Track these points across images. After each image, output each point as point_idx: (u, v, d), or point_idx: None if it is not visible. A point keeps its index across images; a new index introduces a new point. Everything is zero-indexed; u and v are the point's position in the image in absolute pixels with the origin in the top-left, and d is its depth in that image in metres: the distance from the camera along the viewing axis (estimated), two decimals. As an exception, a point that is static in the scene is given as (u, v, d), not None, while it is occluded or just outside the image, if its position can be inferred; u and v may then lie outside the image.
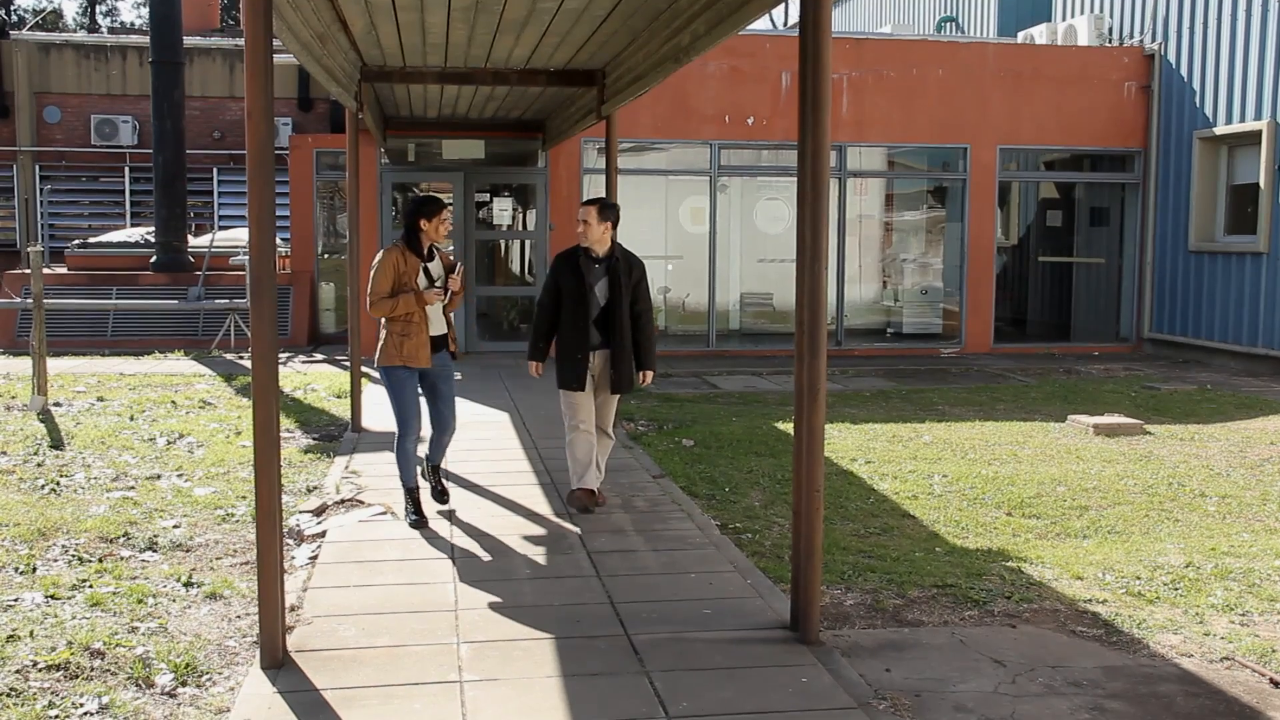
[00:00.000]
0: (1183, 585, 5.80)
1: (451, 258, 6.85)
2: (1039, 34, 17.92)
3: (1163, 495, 7.78)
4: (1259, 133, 14.36)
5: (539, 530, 6.69)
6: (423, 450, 7.03)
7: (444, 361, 6.80)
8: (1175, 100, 15.96)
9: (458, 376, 7.00)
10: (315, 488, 7.77)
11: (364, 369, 10.27)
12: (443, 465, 7.44)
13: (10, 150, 20.09)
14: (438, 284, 6.65)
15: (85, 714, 4.16)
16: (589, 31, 7.93)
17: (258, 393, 4.49)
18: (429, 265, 6.64)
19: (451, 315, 6.92)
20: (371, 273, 6.52)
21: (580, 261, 6.80)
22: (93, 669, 4.55)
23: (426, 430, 7.00)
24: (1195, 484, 8.10)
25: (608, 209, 6.82)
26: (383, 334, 6.64)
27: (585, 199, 6.96)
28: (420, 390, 6.77)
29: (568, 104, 11.83)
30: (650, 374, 6.96)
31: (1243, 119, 14.67)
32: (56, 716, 4.14)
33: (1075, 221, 18.27)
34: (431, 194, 6.68)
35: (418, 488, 6.79)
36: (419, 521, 6.65)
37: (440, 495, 7.05)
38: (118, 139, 20.09)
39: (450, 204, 15.80)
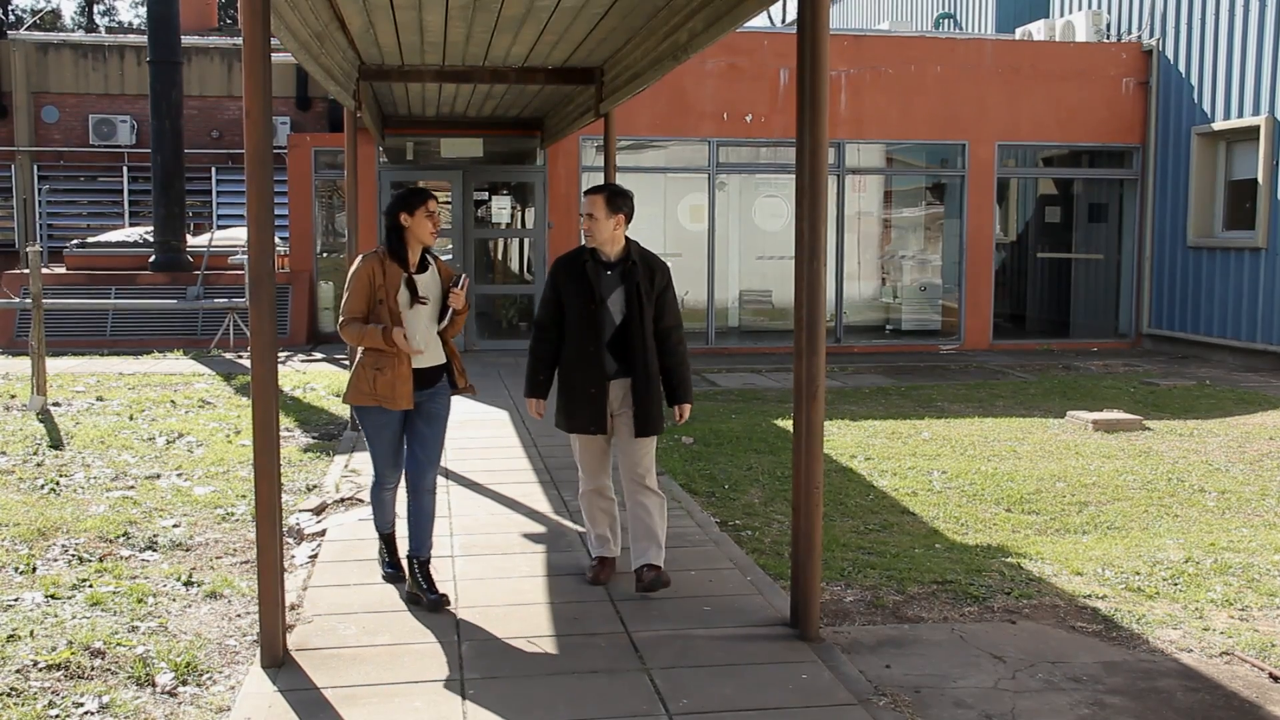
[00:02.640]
0: (1182, 580, 5.80)
1: (456, 270, 5.51)
2: (1037, 30, 17.92)
3: (1162, 491, 7.78)
4: (1257, 128, 14.36)
5: (539, 528, 6.69)
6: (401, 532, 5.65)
7: (435, 399, 5.36)
8: (1173, 96, 15.96)
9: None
10: (315, 486, 7.77)
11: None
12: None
13: (8, 150, 20.08)
14: (424, 300, 5.25)
15: (86, 713, 4.17)
16: (587, 29, 7.92)
17: (257, 392, 4.49)
18: (417, 277, 5.26)
19: (455, 343, 5.54)
20: (347, 289, 5.22)
21: (587, 267, 5.40)
22: (93, 668, 4.55)
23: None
24: (1194, 479, 8.11)
25: (618, 198, 5.39)
26: (355, 365, 5.34)
27: (589, 187, 5.65)
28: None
29: (566, 102, 11.83)
30: (687, 408, 5.57)
31: (1241, 114, 14.67)
32: (57, 716, 4.14)
33: (1074, 218, 18.28)
34: (414, 186, 5.30)
35: (394, 534, 5.67)
36: (395, 575, 5.55)
37: (436, 604, 5.23)
38: (116, 139, 20.08)
39: (448, 200, 15.80)
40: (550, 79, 9.75)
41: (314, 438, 9.55)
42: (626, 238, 5.47)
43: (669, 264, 5.62)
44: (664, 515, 5.54)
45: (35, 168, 20.26)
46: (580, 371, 5.39)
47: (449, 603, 5.25)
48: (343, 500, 7.28)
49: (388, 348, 5.09)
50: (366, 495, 7.30)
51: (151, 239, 17.13)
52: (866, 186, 17.39)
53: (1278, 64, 14.05)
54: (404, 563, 5.49)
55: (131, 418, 10.18)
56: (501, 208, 16.82)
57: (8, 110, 20.09)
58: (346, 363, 11.70)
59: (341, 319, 5.21)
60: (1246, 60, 14.54)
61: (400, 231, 5.21)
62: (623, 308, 5.39)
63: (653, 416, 5.43)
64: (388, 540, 5.67)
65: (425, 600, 5.24)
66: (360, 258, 5.24)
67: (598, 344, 5.36)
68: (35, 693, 4.31)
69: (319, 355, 15.20)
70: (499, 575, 5.77)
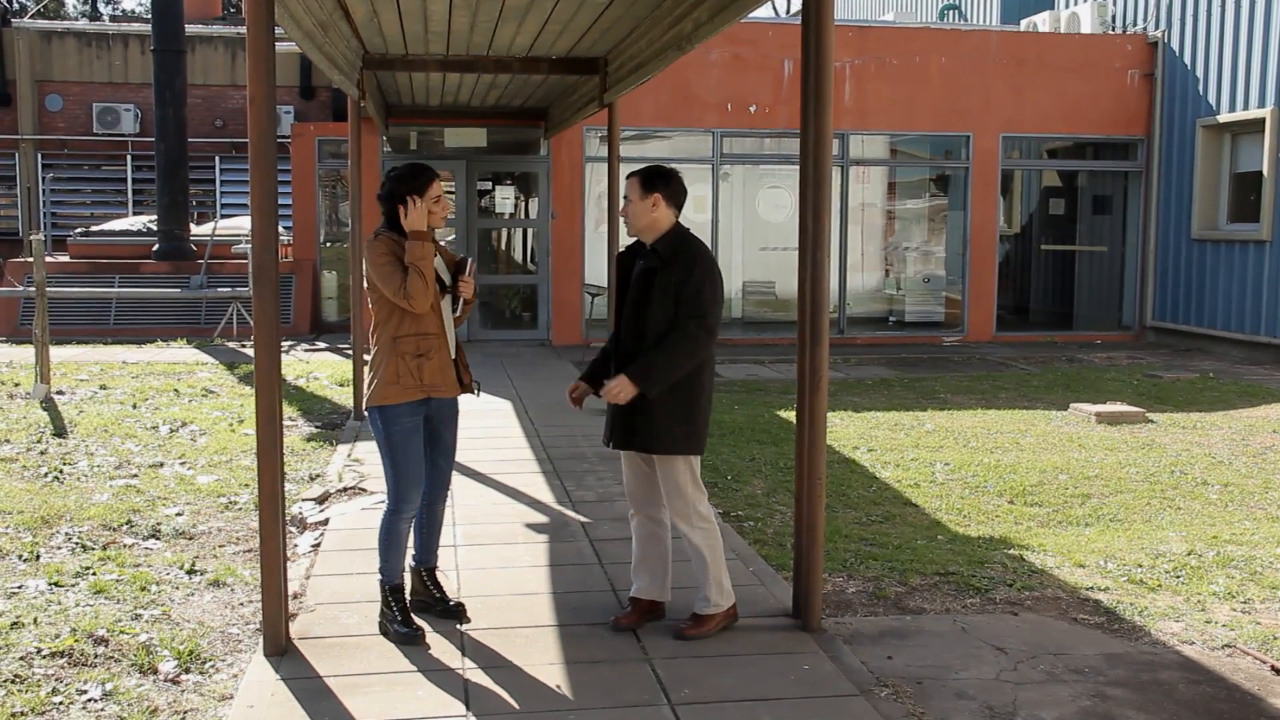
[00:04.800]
0: (1184, 573, 5.80)
1: (459, 254, 5.03)
2: (1042, 21, 17.86)
3: (1165, 483, 7.78)
4: (1262, 120, 14.32)
5: (541, 518, 6.70)
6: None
7: (454, 400, 4.94)
8: (1178, 88, 15.91)
9: None
10: (318, 475, 7.78)
11: (366, 357, 10.27)
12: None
13: (12, 139, 20.08)
14: (451, 290, 4.88)
15: (89, 700, 4.18)
16: (591, 19, 7.91)
17: (260, 381, 4.49)
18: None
19: (459, 336, 5.01)
20: (374, 271, 4.63)
21: (632, 259, 4.83)
22: (96, 656, 4.56)
23: None
24: (1197, 472, 8.10)
25: (654, 178, 4.72)
26: (381, 362, 4.70)
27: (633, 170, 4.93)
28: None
29: (570, 92, 11.81)
30: (619, 385, 4.56)
31: (1246, 107, 14.63)
32: (60, 703, 4.15)
33: (1078, 210, 18.25)
34: (415, 162, 4.90)
35: (404, 586, 4.86)
36: (411, 635, 4.66)
37: (442, 606, 5.00)
38: (120, 127, 20.07)
39: (452, 190, 15.78)
40: (554, 69, 9.74)
41: (317, 427, 9.56)
42: (678, 224, 4.75)
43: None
44: (705, 559, 4.80)
45: (39, 156, 20.25)
46: (608, 375, 4.74)
47: (464, 611, 4.96)
48: (346, 489, 7.29)
49: (420, 259, 4.53)
50: (369, 485, 7.33)
51: (155, 228, 17.13)
52: (870, 178, 17.37)
53: (1284, 56, 14.01)
54: (407, 576, 5.01)
55: (135, 406, 10.19)
56: (505, 198, 16.82)
57: (11, 98, 20.08)
58: (349, 352, 11.68)
59: (398, 291, 4.55)
60: (1252, 52, 14.49)
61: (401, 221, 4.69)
62: (633, 300, 4.71)
63: (635, 425, 4.64)
64: (396, 592, 4.78)
65: (438, 609, 4.97)
66: (369, 244, 4.69)
67: (618, 344, 4.78)
68: (39, 680, 4.33)
69: (322, 345, 15.21)
70: (501, 565, 5.78)
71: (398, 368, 4.64)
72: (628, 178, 4.82)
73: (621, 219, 4.82)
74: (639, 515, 4.91)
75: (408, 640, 4.66)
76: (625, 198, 4.78)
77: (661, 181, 4.72)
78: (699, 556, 4.79)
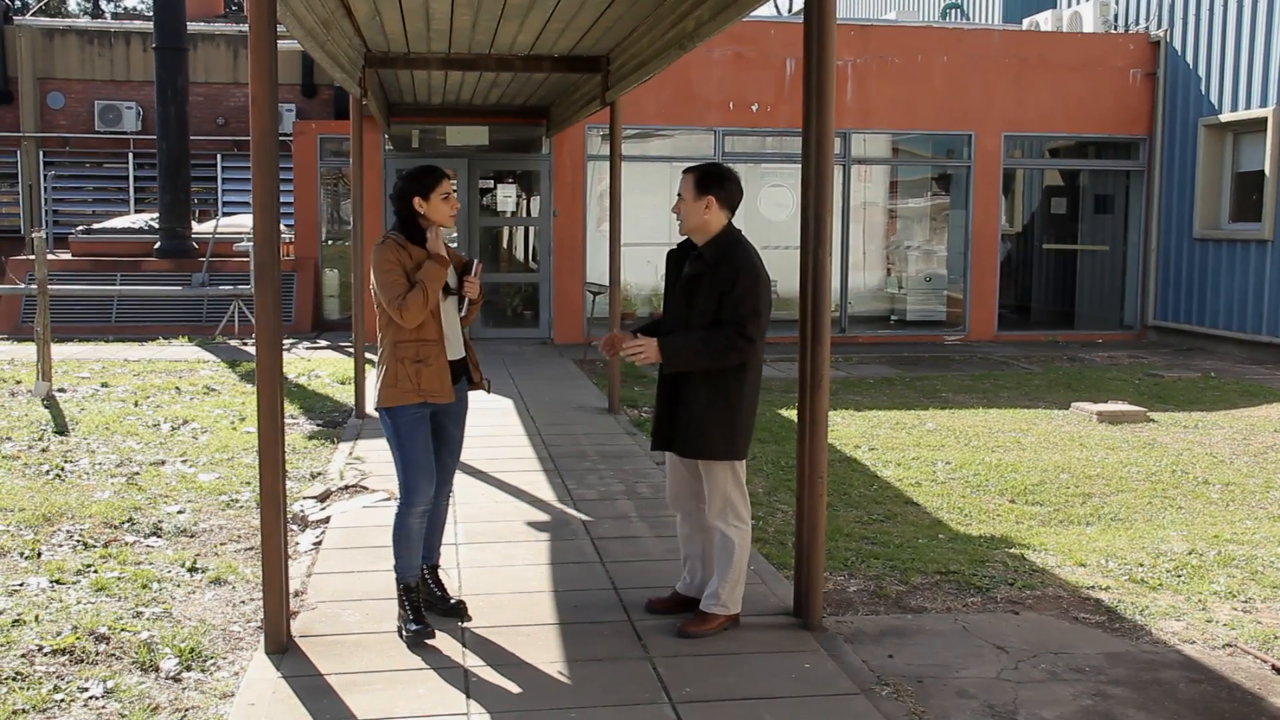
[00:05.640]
0: (1185, 572, 5.80)
1: (465, 255, 5.04)
2: (1044, 20, 17.86)
3: (1166, 482, 7.78)
4: (1265, 120, 14.31)
5: (543, 516, 6.70)
6: None
7: (462, 396, 4.96)
8: (1180, 87, 15.90)
9: None
10: (319, 474, 7.78)
11: (367, 355, 10.27)
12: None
13: (14, 136, 20.08)
14: (455, 291, 4.93)
15: (90, 698, 4.18)
16: (593, 17, 7.91)
17: (262, 379, 4.50)
18: None
19: (468, 334, 5.11)
20: (376, 277, 4.68)
21: (675, 256, 4.89)
22: (98, 653, 4.57)
23: None
24: (1199, 471, 8.10)
25: (709, 179, 4.70)
26: (383, 365, 4.75)
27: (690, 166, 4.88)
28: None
29: (572, 90, 11.81)
30: (644, 348, 4.59)
31: (1248, 106, 14.62)
32: (62, 700, 4.16)
33: (1080, 209, 18.24)
34: (427, 164, 4.98)
35: (418, 587, 4.85)
36: (422, 632, 4.66)
37: (443, 604, 4.99)
38: (121, 125, 20.07)
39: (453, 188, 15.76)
40: (556, 67, 9.74)
41: (319, 425, 9.57)
42: (729, 227, 4.78)
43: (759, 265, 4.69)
44: (730, 556, 4.75)
45: (41, 153, 20.25)
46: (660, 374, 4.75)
47: (465, 609, 4.96)
48: (347, 487, 7.30)
49: (433, 281, 4.63)
50: (370, 483, 7.33)
51: (157, 226, 17.13)
52: (872, 177, 17.36)
53: (1286, 55, 14.00)
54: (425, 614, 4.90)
55: (136, 404, 10.20)
56: (507, 196, 16.81)
57: (13, 96, 20.08)
58: (351, 350, 11.67)
59: (393, 301, 4.60)
60: (1255, 52, 14.48)
61: (415, 216, 4.74)
62: (675, 303, 4.74)
63: (681, 430, 4.67)
64: (411, 594, 4.77)
65: (439, 607, 4.95)
66: (380, 243, 4.71)
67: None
68: (40, 677, 4.33)
69: (324, 342, 15.21)
70: (503, 563, 5.78)
71: (397, 372, 4.71)
72: (684, 173, 4.77)
73: (673, 214, 4.82)
74: (678, 514, 5.00)
75: (421, 637, 4.66)
76: (679, 194, 4.76)
77: (716, 185, 4.70)
78: (725, 554, 4.78)
